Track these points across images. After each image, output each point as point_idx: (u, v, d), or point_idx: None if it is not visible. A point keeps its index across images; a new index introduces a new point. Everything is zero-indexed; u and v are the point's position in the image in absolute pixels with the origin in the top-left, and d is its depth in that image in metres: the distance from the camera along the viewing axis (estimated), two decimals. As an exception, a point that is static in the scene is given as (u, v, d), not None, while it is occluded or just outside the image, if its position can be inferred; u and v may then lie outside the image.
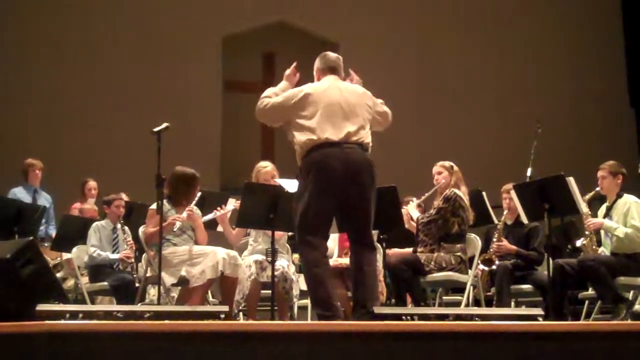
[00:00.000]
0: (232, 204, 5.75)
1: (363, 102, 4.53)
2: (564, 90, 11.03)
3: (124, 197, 6.81)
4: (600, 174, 5.81)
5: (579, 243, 6.18)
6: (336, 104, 4.42)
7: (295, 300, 5.59)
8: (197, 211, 5.63)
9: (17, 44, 10.08)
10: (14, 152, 8.86)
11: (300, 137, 4.41)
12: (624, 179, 5.80)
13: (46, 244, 6.83)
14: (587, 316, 6.12)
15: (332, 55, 4.70)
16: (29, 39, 10.09)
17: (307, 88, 4.52)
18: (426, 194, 5.95)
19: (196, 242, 5.57)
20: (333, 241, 5.89)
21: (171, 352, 3.14)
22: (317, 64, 4.69)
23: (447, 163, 5.92)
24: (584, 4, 11.35)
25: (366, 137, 4.45)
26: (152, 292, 5.97)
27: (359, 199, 4.36)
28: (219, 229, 5.91)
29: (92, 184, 7.91)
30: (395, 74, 10.38)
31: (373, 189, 4.42)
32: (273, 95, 4.57)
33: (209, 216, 5.73)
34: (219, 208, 5.72)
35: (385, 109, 4.66)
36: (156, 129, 5.17)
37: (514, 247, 6.09)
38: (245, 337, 3.27)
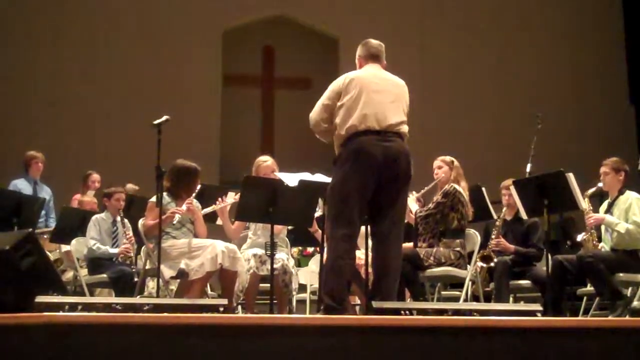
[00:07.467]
0: (232, 197, 5.76)
1: (403, 94, 4.55)
2: (564, 86, 11.01)
3: (132, 186, 6.78)
4: (602, 170, 5.79)
5: (579, 238, 6.17)
6: (378, 92, 4.41)
7: (294, 293, 5.60)
8: (197, 204, 5.63)
9: (20, 37, 10.10)
10: (14, 144, 8.87)
11: (341, 123, 4.37)
12: (627, 175, 5.79)
13: (45, 236, 6.82)
14: (586, 312, 6.13)
15: (373, 42, 4.68)
16: (31, 32, 10.11)
17: (350, 74, 4.51)
18: (426, 188, 5.95)
19: (195, 235, 5.57)
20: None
21: (170, 345, 3.15)
22: (358, 51, 4.68)
23: (448, 158, 5.89)
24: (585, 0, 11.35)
25: (406, 128, 4.44)
26: (151, 284, 5.97)
27: (395, 189, 4.34)
28: (218, 222, 5.91)
29: (95, 176, 7.90)
30: (395, 69, 10.30)
31: (409, 180, 4.40)
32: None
33: (209, 209, 5.73)
34: (219, 200, 5.72)
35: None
36: (156, 122, 5.17)
37: (512, 246, 6.07)
38: (244, 330, 3.28)
